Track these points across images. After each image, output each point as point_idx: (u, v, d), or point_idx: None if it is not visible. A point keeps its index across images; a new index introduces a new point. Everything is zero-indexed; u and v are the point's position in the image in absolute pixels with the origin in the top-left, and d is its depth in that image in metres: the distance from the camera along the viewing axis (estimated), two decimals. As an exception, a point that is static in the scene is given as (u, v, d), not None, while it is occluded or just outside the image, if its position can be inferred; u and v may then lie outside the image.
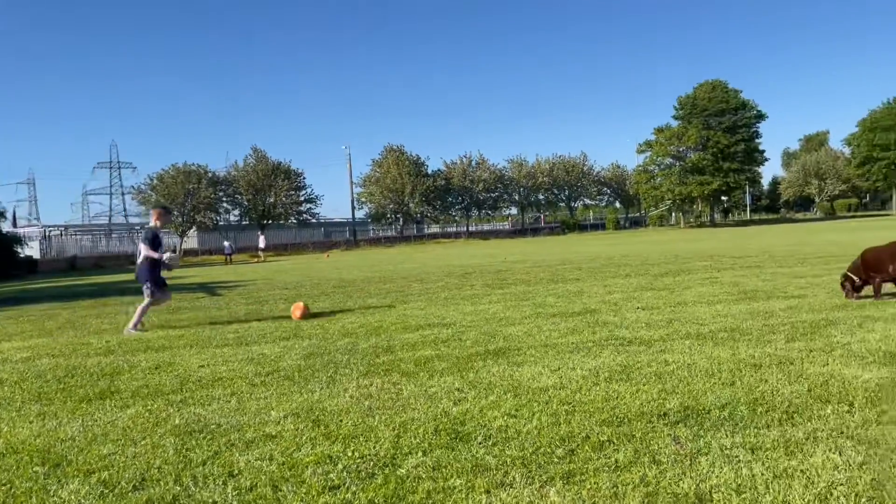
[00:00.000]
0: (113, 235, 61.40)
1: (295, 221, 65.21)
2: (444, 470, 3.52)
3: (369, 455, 3.80)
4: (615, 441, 3.80)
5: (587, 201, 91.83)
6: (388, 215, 72.51)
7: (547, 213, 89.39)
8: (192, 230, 58.10)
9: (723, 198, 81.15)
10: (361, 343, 7.53)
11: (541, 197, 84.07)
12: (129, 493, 3.45)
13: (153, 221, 10.03)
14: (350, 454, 3.82)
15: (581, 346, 6.69)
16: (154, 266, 9.64)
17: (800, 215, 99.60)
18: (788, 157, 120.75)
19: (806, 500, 2.97)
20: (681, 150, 77.63)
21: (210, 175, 60.03)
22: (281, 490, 3.38)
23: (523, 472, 3.44)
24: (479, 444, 3.88)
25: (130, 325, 9.46)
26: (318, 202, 70.07)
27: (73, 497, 3.45)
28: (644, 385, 4.99)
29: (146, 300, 9.61)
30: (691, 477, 3.26)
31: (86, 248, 54.74)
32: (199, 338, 8.60)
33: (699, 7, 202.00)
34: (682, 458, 3.49)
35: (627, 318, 8.30)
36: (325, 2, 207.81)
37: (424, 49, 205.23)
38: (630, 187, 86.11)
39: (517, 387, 5.15)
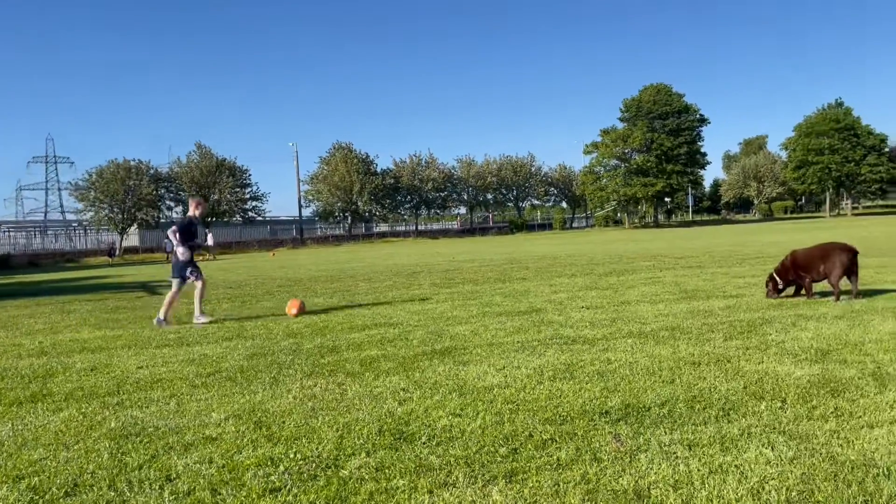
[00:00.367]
0: (49, 232, 59.42)
1: (240, 219, 64.11)
2: (387, 470, 3.50)
3: (312, 457, 3.75)
4: (557, 439, 3.84)
5: (535, 201, 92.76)
6: (336, 213, 71.84)
7: (495, 213, 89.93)
8: (132, 227, 56.52)
9: (666, 199, 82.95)
10: (306, 343, 7.44)
11: (489, 197, 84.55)
12: (61, 500, 3.33)
13: (192, 210, 9.93)
14: (292, 456, 3.77)
15: (526, 344, 6.75)
16: (188, 253, 9.70)
17: (739, 217, 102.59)
18: (729, 160, 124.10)
19: (739, 494, 3.05)
20: (626, 151, 79.08)
21: (152, 171, 58.53)
22: (220, 494, 3.31)
23: (466, 471, 3.44)
24: (423, 444, 3.87)
25: (197, 313, 9.62)
26: (264, 200, 69.03)
27: (-1, 505, 3.31)
28: (587, 383, 5.06)
29: (175, 289, 9.63)
30: (630, 474, 3.32)
31: (20, 245, 52.76)
32: (138, 338, 8.37)
33: (645, 13, 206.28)
34: (622, 456, 3.55)
35: (572, 318, 8.41)
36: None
37: (373, 47, 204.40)
38: (577, 188, 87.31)
39: (462, 386, 5.16)
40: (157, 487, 3.42)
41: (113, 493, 3.37)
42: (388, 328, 8.24)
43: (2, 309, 13.18)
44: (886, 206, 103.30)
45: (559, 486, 3.22)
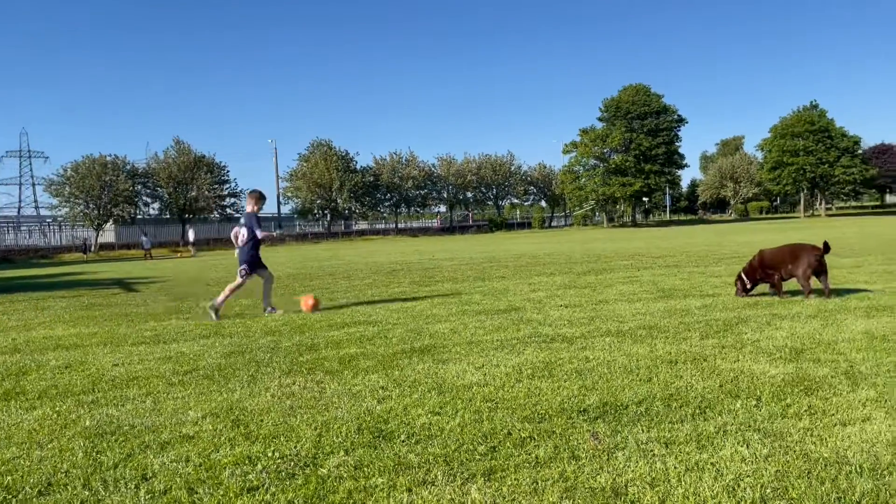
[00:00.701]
0: (22, 228, 58.49)
1: (218, 216, 63.57)
2: (366, 469, 3.49)
3: (290, 455, 3.73)
4: (536, 437, 3.86)
5: (514, 200, 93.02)
6: (316, 211, 71.49)
7: (475, 212, 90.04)
8: (108, 224, 55.81)
9: (644, 199, 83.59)
10: (284, 341, 7.40)
11: (469, 195, 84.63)
12: (34, 499, 3.29)
13: (250, 207, 9.97)
14: (270, 454, 3.75)
15: (505, 343, 6.77)
16: (253, 250, 9.81)
17: (716, 217, 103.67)
18: (706, 161, 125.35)
19: (715, 491, 3.09)
20: (605, 151, 79.57)
21: (129, 166, 57.84)
22: (197, 493, 3.28)
23: (445, 469, 3.45)
24: (402, 442, 3.87)
25: (219, 299, 9.61)
26: (243, 196, 68.43)
27: (-30, 505, 3.26)
28: (565, 381, 5.08)
29: (238, 280, 9.73)
30: (608, 471, 3.34)
31: (-8, 240, 51.93)
32: (114, 335, 8.28)
33: (625, 15, 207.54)
34: (600, 454, 3.58)
35: (551, 316, 8.45)
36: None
37: (352, 46, 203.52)
38: (556, 187, 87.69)
39: (441, 384, 5.17)
40: (132, 486, 3.39)
41: (87, 493, 3.33)
42: (367, 326, 8.22)
43: (-27, 305, 12.95)
44: (859, 208, 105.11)
45: (538, 483, 3.24)
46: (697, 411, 4.23)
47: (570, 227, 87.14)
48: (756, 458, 3.44)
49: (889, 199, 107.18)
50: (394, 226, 78.16)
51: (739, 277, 9.42)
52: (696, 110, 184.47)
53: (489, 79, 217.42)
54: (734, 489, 3.10)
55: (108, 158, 55.92)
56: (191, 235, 47.88)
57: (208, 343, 7.47)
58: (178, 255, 45.38)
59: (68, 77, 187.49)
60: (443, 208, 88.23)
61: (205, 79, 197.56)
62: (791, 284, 9.33)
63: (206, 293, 13.69)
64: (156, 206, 63.19)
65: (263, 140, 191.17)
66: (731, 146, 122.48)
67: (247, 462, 3.65)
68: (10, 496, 3.33)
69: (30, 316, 10.77)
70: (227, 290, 9.72)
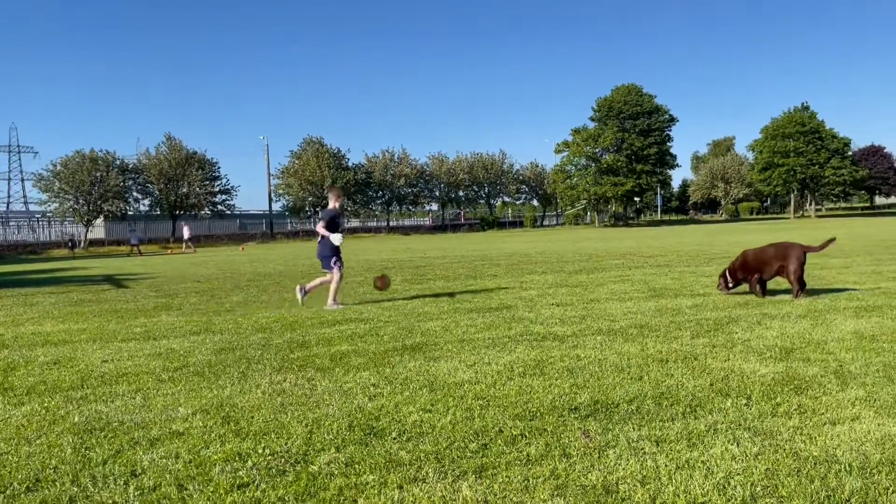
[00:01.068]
0: (11, 223, 58.04)
1: (209, 213, 63.29)
2: (356, 466, 3.48)
3: (281, 452, 3.72)
4: (527, 435, 3.86)
5: (506, 199, 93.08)
6: (307, 208, 71.30)
7: (467, 210, 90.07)
8: (98, 219, 55.46)
9: (635, 198, 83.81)
10: (275, 338, 7.38)
11: (461, 193, 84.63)
12: (22, 495, 3.26)
13: (333, 203, 10.28)
14: (261, 451, 3.73)
15: (497, 341, 6.77)
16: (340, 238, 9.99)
17: (707, 217, 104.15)
18: (697, 161, 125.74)
19: (705, 489, 3.09)
20: (597, 150, 79.72)
21: (119, 162, 57.49)
22: (187, 489, 3.26)
23: (436, 466, 3.44)
24: (394, 439, 3.87)
25: (330, 300, 9.78)
26: (234, 193, 68.33)
27: (-43, 501, 3.23)
28: (556, 380, 5.09)
29: (337, 274, 9.89)
30: (599, 469, 3.34)
31: (-20, 236, 51.51)
32: (103, 332, 8.23)
33: (618, 15, 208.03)
34: (591, 451, 3.58)
35: (542, 314, 8.46)
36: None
37: (345, 44, 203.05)
38: (548, 186, 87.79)
39: (433, 382, 5.16)
40: (121, 483, 3.37)
41: (76, 489, 3.31)
42: (358, 323, 8.21)
43: (-39, 301, 12.85)
44: (848, 209, 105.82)
45: (529, 481, 3.24)
46: (688, 410, 4.24)
47: (561, 226, 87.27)
48: (746, 456, 3.45)
49: (878, 200, 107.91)
50: (385, 224, 78.06)
51: (723, 275, 9.57)
52: (687, 111, 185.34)
53: (481, 79, 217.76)
54: (724, 487, 3.11)
55: (98, 154, 55.55)
56: (186, 232, 47.59)
57: (199, 339, 7.43)
58: (169, 251, 45.16)
59: (57, 72, 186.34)
60: (435, 207, 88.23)
61: (198, 76, 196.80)
62: (771, 285, 9.42)
63: (194, 289, 13.63)
64: (146, 202, 62.84)
65: (255, 137, 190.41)
66: (722, 147, 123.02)
67: (237, 459, 3.63)
68: (-2, 492, 3.30)
69: (18, 312, 10.70)
70: (332, 289, 9.90)
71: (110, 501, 3.17)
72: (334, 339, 7.16)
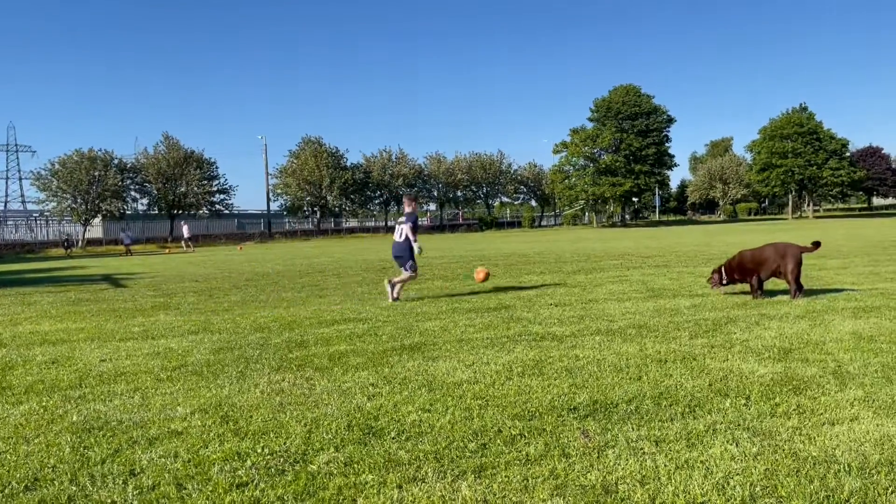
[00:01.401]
0: (9, 223, 57.91)
1: (207, 212, 63.18)
2: (356, 465, 3.48)
3: (279, 451, 3.72)
4: (526, 435, 3.86)
5: (504, 199, 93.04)
6: (305, 208, 71.22)
7: (465, 210, 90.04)
8: (96, 219, 55.35)
9: (633, 199, 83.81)
10: (274, 338, 7.37)
11: (459, 194, 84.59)
12: (21, 494, 3.25)
13: (408, 208, 10.91)
14: (260, 450, 3.73)
15: (495, 341, 6.77)
16: (407, 243, 10.58)
17: (705, 217, 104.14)
18: (695, 162, 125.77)
19: (705, 489, 3.09)
20: (595, 151, 79.71)
21: (117, 161, 57.38)
22: (185, 488, 3.26)
23: (436, 466, 3.44)
24: (393, 439, 3.86)
25: (394, 293, 10.37)
26: (232, 193, 68.12)
27: (-45, 500, 3.22)
28: (555, 379, 5.09)
29: (408, 274, 10.58)
30: (598, 469, 3.34)
31: (-23, 235, 51.37)
32: (101, 331, 8.22)
33: (617, 15, 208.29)
34: (590, 451, 3.58)
35: (541, 314, 8.46)
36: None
37: (344, 44, 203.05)
38: (546, 186, 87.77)
39: (432, 381, 5.16)
40: (120, 482, 3.36)
41: (75, 488, 3.30)
42: (357, 323, 8.20)
43: (-41, 300, 12.83)
44: (846, 210, 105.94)
45: (528, 481, 3.24)
46: (687, 410, 4.24)
47: (559, 226, 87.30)
48: (745, 456, 3.46)
49: (876, 201, 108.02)
50: (384, 223, 78.00)
51: (718, 270, 9.59)
52: (685, 111, 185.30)
53: (480, 79, 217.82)
54: (724, 487, 3.11)
55: (95, 153, 55.43)
56: (186, 231, 47.48)
57: (197, 339, 7.43)
58: (167, 250, 45.08)
59: (56, 72, 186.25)
60: (433, 207, 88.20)
61: (197, 76, 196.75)
62: (769, 286, 9.43)
63: (192, 289, 13.62)
64: (144, 201, 62.72)
65: (254, 137, 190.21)
66: (721, 147, 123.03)
67: (236, 458, 3.63)
68: (-4, 491, 3.29)
69: (16, 311, 10.68)
70: (399, 280, 10.54)
71: (109, 500, 3.16)
72: (333, 339, 7.15)
